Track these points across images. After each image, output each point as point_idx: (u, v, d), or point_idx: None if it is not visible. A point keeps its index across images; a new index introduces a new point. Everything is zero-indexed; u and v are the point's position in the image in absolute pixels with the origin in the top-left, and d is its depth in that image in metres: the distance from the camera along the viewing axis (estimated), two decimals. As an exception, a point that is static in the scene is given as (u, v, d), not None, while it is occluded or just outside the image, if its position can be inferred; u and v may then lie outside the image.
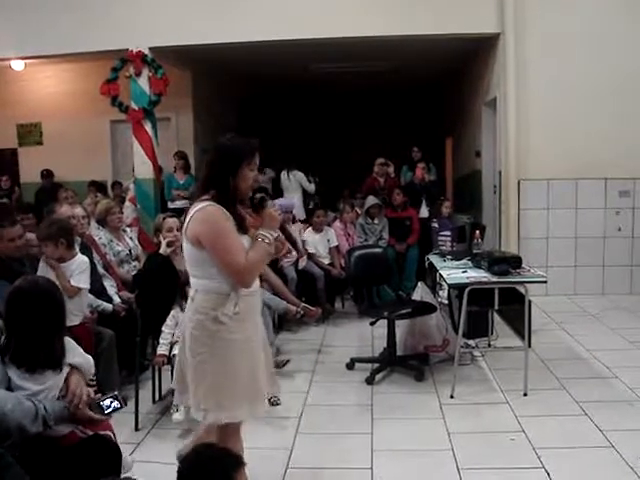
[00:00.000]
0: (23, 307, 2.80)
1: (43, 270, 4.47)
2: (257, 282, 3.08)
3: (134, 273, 5.65)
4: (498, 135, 8.16)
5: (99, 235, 5.74)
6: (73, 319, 4.19)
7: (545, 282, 4.88)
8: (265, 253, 2.93)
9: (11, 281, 4.49)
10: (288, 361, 5.42)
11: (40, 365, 2.80)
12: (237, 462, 1.98)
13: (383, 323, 5.51)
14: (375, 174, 9.14)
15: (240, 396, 2.94)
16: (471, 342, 5.64)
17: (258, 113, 13.14)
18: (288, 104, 13.83)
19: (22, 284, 2.89)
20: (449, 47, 8.90)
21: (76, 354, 3.01)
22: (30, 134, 11.17)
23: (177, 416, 4.01)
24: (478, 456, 3.81)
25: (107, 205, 6.03)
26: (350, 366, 5.52)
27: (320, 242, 7.65)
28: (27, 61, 9.62)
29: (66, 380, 2.88)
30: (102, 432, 2.90)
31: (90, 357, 3.09)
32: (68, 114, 10.56)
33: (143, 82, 8.17)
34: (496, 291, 4.70)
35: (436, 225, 8.01)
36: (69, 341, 3.00)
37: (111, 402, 2.86)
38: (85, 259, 4.62)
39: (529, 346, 4.93)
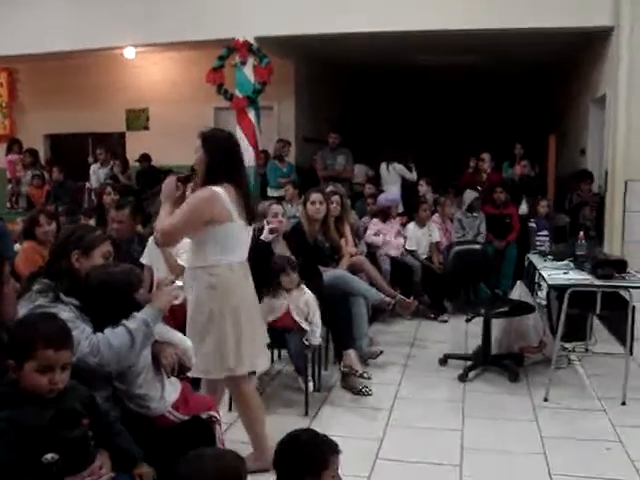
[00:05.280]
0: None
1: (151, 248, 4.63)
2: None
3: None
4: (606, 134, 7.85)
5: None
6: (175, 299, 4.31)
7: (652, 288, 4.68)
8: None
9: (120, 259, 4.76)
10: (381, 352, 5.40)
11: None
12: (334, 448, 2.02)
13: (478, 321, 5.45)
14: (474, 167, 9.03)
15: None
16: (568, 345, 5.49)
17: (360, 104, 13.13)
18: (387, 96, 13.75)
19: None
20: (556, 41, 8.62)
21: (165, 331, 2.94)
22: (138, 119, 11.58)
23: None
24: (571, 463, 3.72)
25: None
26: (443, 362, 5.49)
27: (423, 237, 7.56)
28: (138, 49, 9.99)
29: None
30: (205, 414, 2.95)
31: (187, 339, 3.04)
32: (174, 100, 10.84)
33: (248, 71, 8.32)
34: (598, 295, 4.57)
35: (534, 225, 7.82)
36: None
37: None
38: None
39: (631, 354, 4.75)
